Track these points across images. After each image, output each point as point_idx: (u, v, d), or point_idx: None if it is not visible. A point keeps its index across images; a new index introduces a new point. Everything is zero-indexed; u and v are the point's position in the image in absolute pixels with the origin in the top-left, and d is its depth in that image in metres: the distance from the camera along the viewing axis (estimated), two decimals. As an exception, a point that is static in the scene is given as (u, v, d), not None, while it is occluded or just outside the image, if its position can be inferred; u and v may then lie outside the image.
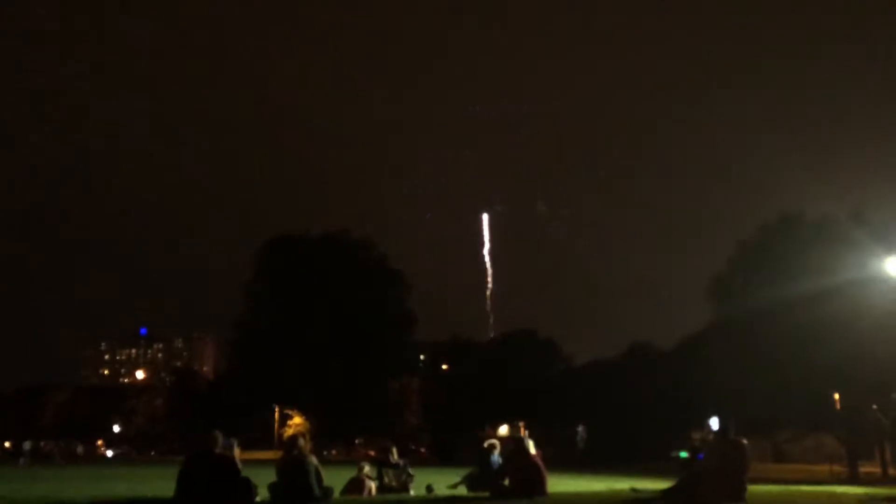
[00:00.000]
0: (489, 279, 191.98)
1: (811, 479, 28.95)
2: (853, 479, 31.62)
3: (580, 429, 75.15)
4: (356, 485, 13.52)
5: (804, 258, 36.01)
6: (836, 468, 36.67)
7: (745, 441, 11.18)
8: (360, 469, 14.27)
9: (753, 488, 12.13)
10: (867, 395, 35.34)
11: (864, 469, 36.99)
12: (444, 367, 79.20)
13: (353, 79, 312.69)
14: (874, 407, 34.33)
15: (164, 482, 15.04)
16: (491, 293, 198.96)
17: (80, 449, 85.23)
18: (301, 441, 10.52)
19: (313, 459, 10.16)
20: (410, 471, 14.91)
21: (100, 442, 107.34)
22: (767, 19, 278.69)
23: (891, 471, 30.62)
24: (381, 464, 14.95)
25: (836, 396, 38.77)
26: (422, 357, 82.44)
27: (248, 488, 9.24)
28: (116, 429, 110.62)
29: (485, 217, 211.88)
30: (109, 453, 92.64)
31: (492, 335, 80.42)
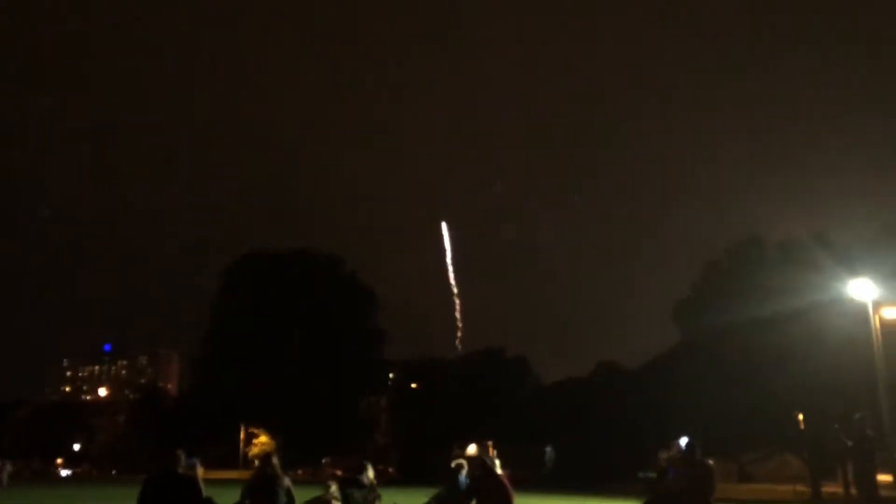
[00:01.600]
0: (455, 294, 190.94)
1: (775, 500, 29.24)
2: (816, 499, 32.02)
3: (548, 448, 75.11)
4: (320, 505, 13.31)
5: (769, 280, 36.60)
6: (800, 488, 37.13)
7: (711, 462, 11.24)
8: (327, 489, 14.05)
9: (719, 509, 12.19)
10: (830, 416, 35.86)
11: (827, 489, 37.47)
12: (414, 385, 78.77)
13: (320, 96, 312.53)
14: (836, 427, 34.79)
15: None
16: (459, 309, 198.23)
17: (30, 468, 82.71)
18: (275, 460, 10.22)
19: (286, 480, 9.88)
20: (378, 491, 14.74)
21: (59, 461, 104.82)
22: (732, 42, 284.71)
23: (852, 490, 30.95)
24: (348, 483, 14.73)
25: (800, 417, 39.30)
26: (391, 375, 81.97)
27: (211, 510, 9.03)
28: (77, 447, 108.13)
29: (444, 226, 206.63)
30: (64, 472, 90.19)
31: (461, 352, 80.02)
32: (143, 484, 8.70)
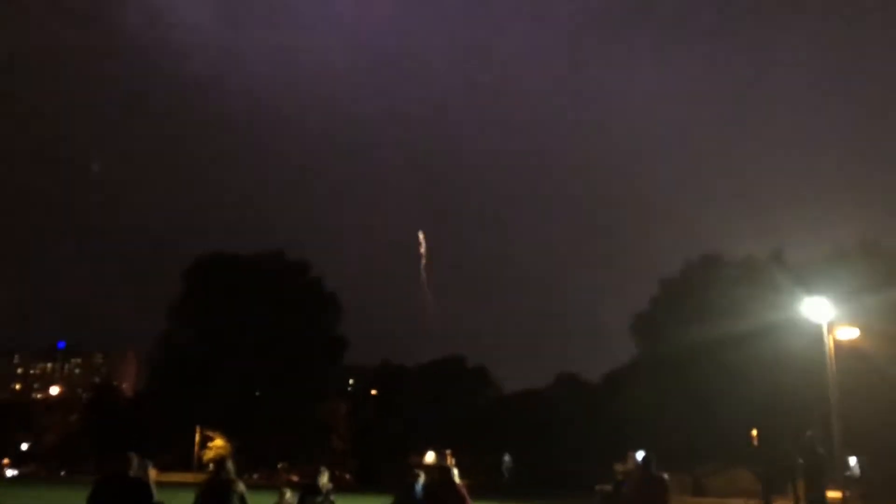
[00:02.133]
0: (426, 295, 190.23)
1: (728, 514, 29.67)
2: (767, 514, 32.64)
3: (506, 458, 75.31)
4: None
5: (726, 299, 37.22)
6: (752, 502, 37.77)
7: (665, 476, 11.35)
8: (282, 495, 13.87)
9: (673, 522, 12.30)
10: (784, 433, 36.56)
11: (778, 503, 38.17)
12: (373, 392, 78.45)
13: (292, 97, 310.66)
14: (788, 445, 35.51)
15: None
16: (426, 315, 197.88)
17: None
18: (230, 464, 9.99)
19: (240, 486, 9.65)
20: (333, 498, 14.59)
21: (6, 460, 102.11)
22: (693, 62, 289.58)
23: (802, 506, 31.57)
24: (304, 489, 14.55)
25: (754, 433, 39.98)
26: (351, 381, 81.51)
27: (162, 513, 8.85)
28: (25, 446, 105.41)
29: (420, 235, 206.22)
30: (10, 472, 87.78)
31: (423, 361, 79.91)
32: (93, 486, 8.51)
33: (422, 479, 14.76)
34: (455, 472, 11.29)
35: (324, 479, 14.52)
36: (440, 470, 11.63)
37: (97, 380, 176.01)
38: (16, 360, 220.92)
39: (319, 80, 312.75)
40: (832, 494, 15.65)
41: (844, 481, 25.95)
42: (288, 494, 13.89)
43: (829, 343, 23.56)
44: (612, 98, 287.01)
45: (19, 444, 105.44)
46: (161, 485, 9.94)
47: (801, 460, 14.43)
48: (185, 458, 76.76)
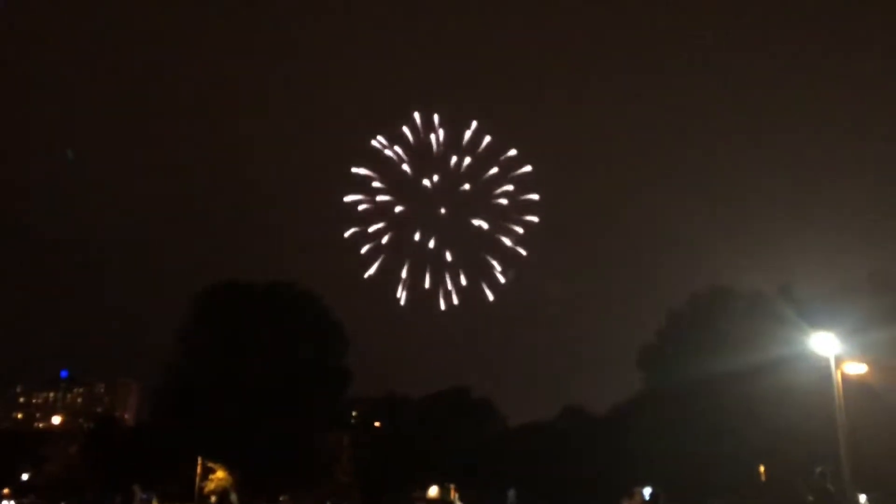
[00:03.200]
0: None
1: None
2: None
3: (511, 492, 74.43)
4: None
5: (734, 332, 37.08)
6: (761, 540, 37.22)
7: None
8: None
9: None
10: (793, 468, 36.14)
11: (788, 542, 37.57)
12: (377, 424, 77.97)
13: (301, 124, 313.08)
14: (800, 481, 35.07)
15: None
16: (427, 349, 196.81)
17: None
18: (233, 497, 9.94)
19: None
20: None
21: (6, 491, 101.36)
22: (694, 88, 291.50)
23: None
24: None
25: (762, 469, 39.54)
26: (354, 413, 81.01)
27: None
28: (26, 477, 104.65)
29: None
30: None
31: (428, 391, 79.53)
32: None
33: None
34: (461, 506, 11.17)
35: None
36: (446, 505, 11.53)
37: (99, 409, 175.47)
38: (18, 389, 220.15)
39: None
40: (843, 532, 15.43)
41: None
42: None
43: (837, 378, 23.39)
44: (616, 127, 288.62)
45: (20, 475, 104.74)
46: (165, 518, 9.87)
47: (811, 498, 14.25)
48: (187, 490, 76.16)
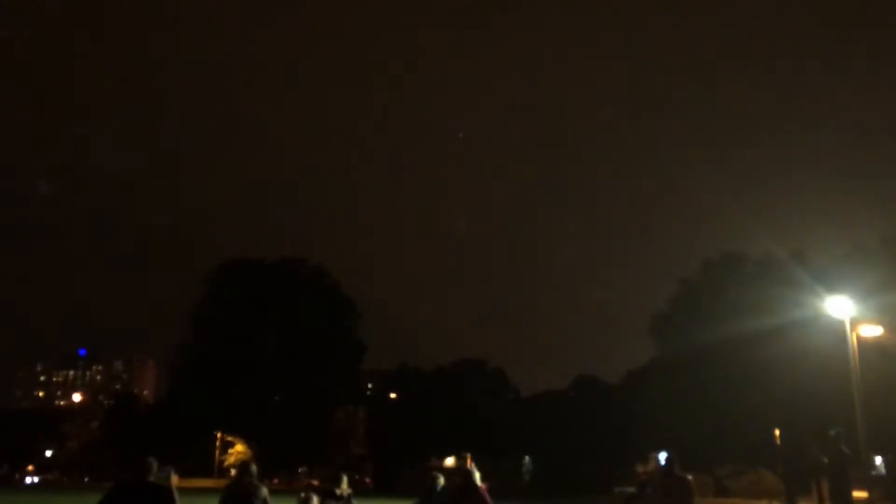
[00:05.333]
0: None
1: (751, 515, 29.37)
2: (791, 515, 32.25)
3: (526, 460, 75.03)
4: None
5: (747, 297, 36.85)
6: (775, 503, 37.36)
7: (689, 477, 11.23)
8: (305, 501, 13.80)
9: (696, 524, 12.18)
10: (807, 432, 36.15)
11: (802, 504, 37.72)
12: (392, 395, 78.49)
13: (313, 101, 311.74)
14: (813, 444, 35.12)
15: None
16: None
17: None
18: (254, 468, 9.87)
19: (264, 490, 9.54)
20: (354, 502, 14.58)
21: (30, 467, 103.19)
22: (710, 56, 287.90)
23: (827, 507, 31.22)
24: (325, 494, 14.54)
25: (777, 433, 39.56)
26: (369, 385, 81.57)
27: (184, 520, 8.77)
28: (49, 453, 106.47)
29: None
30: (30, 480, 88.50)
31: (441, 363, 79.75)
32: (108, 492, 8.44)
33: (441, 481, 14.73)
34: (477, 475, 11.22)
35: (343, 485, 14.52)
36: (462, 473, 11.56)
37: (118, 386, 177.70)
38: (38, 367, 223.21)
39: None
40: (857, 494, 15.43)
41: (870, 481, 25.61)
42: (315, 501, 13.80)
43: (852, 340, 23.25)
44: (632, 97, 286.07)
45: (43, 452, 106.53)
46: (182, 490, 9.93)
47: (825, 460, 14.22)
48: (206, 464, 77.16)
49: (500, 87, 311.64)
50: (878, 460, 43.23)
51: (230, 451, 74.22)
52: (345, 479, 14.53)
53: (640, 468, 60.39)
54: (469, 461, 66.07)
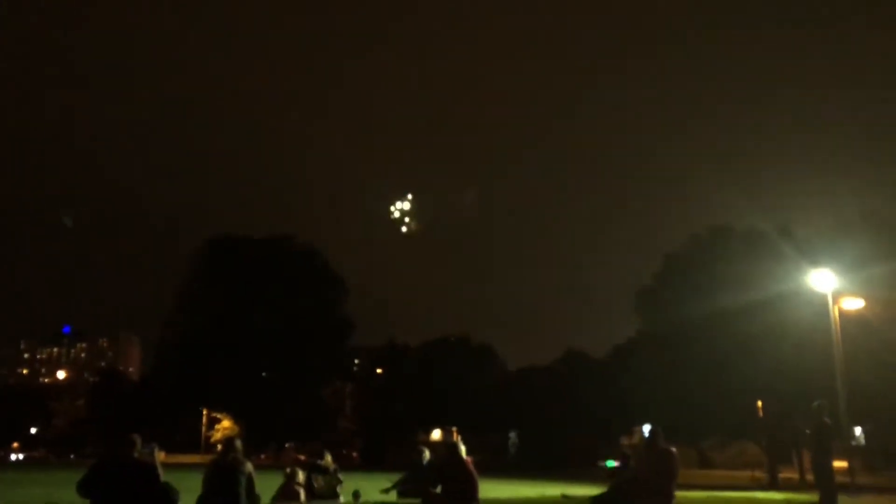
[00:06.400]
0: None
1: (734, 485, 29.74)
2: (773, 485, 32.71)
3: (512, 434, 75.66)
4: (287, 492, 13.11)
5: (732, 271, 37.05)
6: (757, 474, 37.90)
7: (673, 450, 11.31)
8: (291, 476, 13.83)
9: (680, 494, 12.30)
10: (790, 404, 36.59)
11: (783, 475, 38.31)
12: (379, 371, 78.74)
13: (300, 83, 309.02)
14: (795, 415, 35.60)
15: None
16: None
17: None
18: (238, 444, 9.77)
19: (248, 466, 9.44)
20: (340, 476, 14.63)
21: (15, 444, 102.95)
22: (694, 30, 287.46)
23: (808, 476, 31.67)
24: (311, 468, 14.58)
25: (759, 405, 40.04)
26: (356, 361, 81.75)
27: (168, 497, 8.66)
28: (34, 431, 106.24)
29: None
30: (14, 457, 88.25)
31: (428, 339, 79.95)
32: (90, 469, 8.36)
33: (426, 455, 14.78)
34: (462, 448, 11.25)
35: (328, 459, 14.55)
36: (447, 446, 11.58)
37: (103, 364, 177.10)
38: (22, 345, 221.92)
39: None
40: (837, 464, 15.65)
41: (850, 451, 26.00)
42: (301, 476, 13.83)
43: (835, 313, 23.48)
44: (620, 75, 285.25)
45: (28, 429, 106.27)
46: (168, 466, 9.86)
47: (808, 431, 14.38)
48: (192, 440, 77.27)
49: (484, 61, 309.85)
50: (858, 431, 43.91)
51: (217, 427, 74.30)
52: (328, 455, 14.55)
53: (625, 441, 61.06)
54: (455, 435, 66.60)
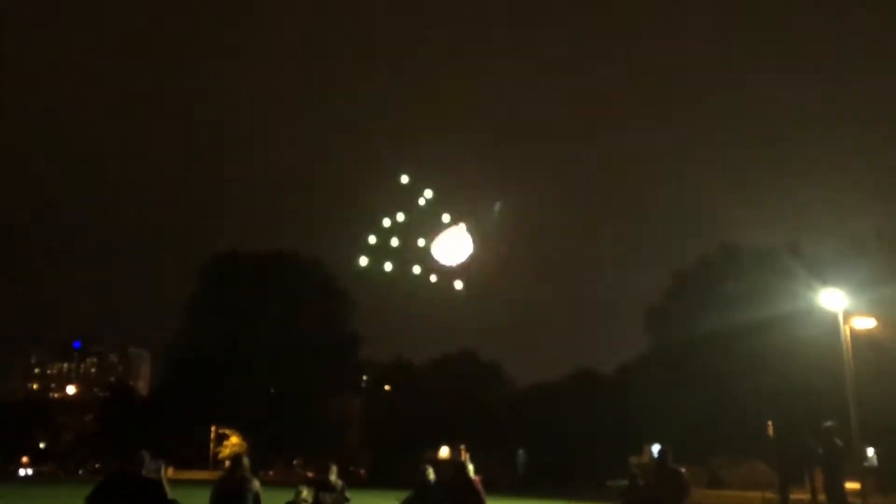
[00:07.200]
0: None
1: (745, 506, 29.51)
2: (784, 506, 32.45)
3: (520, 452, 75.21)
4: (293, 510, 13.07)
5: (742, 289, 36.97)
6: (768, 495, 37.52)
7: (683, 470, 11.25)
8: (298, 493, 13.81)
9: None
10: (800, 423, 36.30)
11: (795, 496, 37.92)
12: (387, 387, 78.55)
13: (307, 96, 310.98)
14: (807, 435, 35.26)
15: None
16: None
17: None
18: (246, 461, 9.81)
19: (256, 483, 9.48)
20: (347, 494, 14.57)
21: (25, 459, 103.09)
22: (702, 53, 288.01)
23: (820, 497, 31.31)
24: (319, 486, 14.54)
25: (770, 424, 39.75)
26: (364, 378, 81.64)
27: (175, 514, 8.68)
28: (43, 445, 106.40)
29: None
30: (23, 472, 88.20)
31: (436, 356, 79.80)
32: (98, 485, 8.36)
33: (430, 473, 14.72)
34: (470, 467, 11.22)
35: (333, 476, 14.50)
36: (455, 465, 11.55)
37: (113, 379, 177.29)
38: (33, 359, 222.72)
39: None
40: (849, 485, 15.49)
41: (862, 472, 25.74)
42: (304, 492, 13.82)
43: (845, 333, 23.33)
44: (626, 90, 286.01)
45: (37, 443, 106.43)
46: (176, 483, 9.88)
47: (820, 451, 14.27)
48: (201, 456, 77.20)
49: (501, 84, 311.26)
50: (871, 452, 43.45)
51: (225, 443, 74.25)
52: (333, 469, 14.50)
53: (634, 460, 60.59)
54: (463, 453, 66.23)
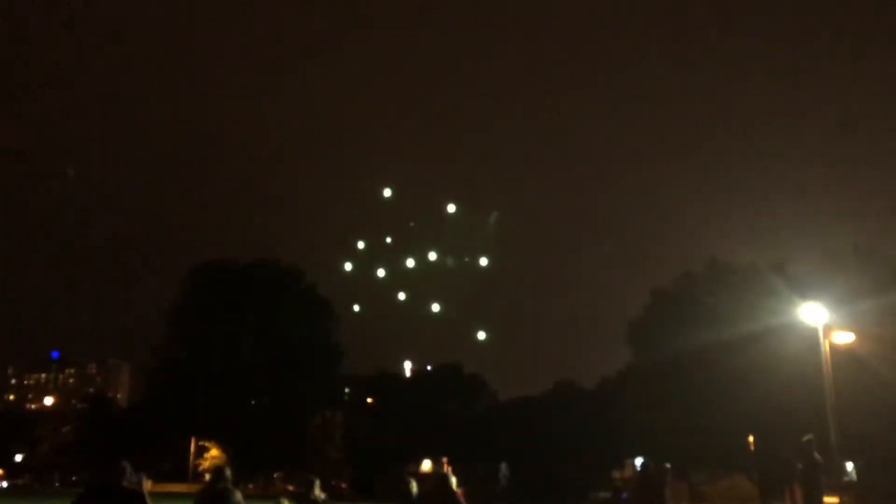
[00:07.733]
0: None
1: (725, 520, 29.60)
2: (765, 521, 32.57)
3: (503, 465, 75.02)
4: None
5: (723, 305, 37.27)
6: (749, 509, 37.74)
7: (667, 465, 11.33)
8: (279, 505, 13.76)
9: (671, 529, 12.26)
10: (781, 437, 36.54)
11: (775, 510, 38.14)
12: (369, 400, 78.18)
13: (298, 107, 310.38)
14: (787, 450, 35.47)
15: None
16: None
17: None
18: (227, 472, 9.72)
19: (238, 495, 9.39)
20: (330, 507, 14.49)
21: (0, 471, 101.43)
22: (691, 70, 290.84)
23: (800, 512, 31.52)
24: (300, 499, 14.48)
25: (751, 439, 39.99)
26: (346, 390, 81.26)
27: (157, 525, 8.61)
28: (19, 458, 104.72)
29: None
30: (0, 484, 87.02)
31: (417, 369, 79.64)
32: (78, 497, 8.26)
33: (413, 486, 14.68)
34: (453, 479, 11.21)
35: (316, 490, 14.44)
36: (438, 478, 11.54)
37: (91, 390, 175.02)
38: (9, 370, 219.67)
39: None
40: (829, 500, 15.63)
41: (842, 487, 25.93)
42: (285, 504, 13.76)
43: (825, 347, 23.57)
44: (613, 102, 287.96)
45: (13, 455, 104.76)
46: (156, 495, 9.78)
47: (799, 465, 14.40)
48: (180, 468, 76.30)
49: (489, 92, 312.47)
50: (850, 466, 43.77)
51: (205, 455, 73.46)
52: (317, 483, 14.42)
53: (616, 474, 60.67)
54: (445, 466, 65.97)
